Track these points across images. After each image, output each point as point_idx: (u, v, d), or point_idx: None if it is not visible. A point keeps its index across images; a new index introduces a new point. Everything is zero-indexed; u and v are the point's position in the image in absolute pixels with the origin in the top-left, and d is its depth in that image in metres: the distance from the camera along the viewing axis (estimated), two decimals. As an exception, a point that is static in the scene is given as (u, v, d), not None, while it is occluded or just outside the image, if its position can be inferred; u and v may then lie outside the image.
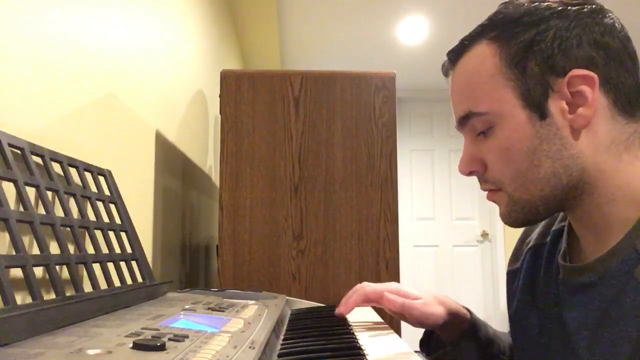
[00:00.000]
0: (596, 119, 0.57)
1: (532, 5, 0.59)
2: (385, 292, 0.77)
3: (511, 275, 0.79)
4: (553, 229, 0.72)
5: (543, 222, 0.75)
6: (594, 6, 0.59)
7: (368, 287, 0.79)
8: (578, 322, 0.60)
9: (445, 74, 0.69)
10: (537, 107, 0.58)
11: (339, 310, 0.78)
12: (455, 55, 0.65)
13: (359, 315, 0.89)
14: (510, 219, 0.63)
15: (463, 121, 0.64)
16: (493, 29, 0.61)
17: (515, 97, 0.59)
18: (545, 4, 0.59)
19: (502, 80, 0.59)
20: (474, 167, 0.64)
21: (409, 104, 4.45)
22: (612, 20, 0.59)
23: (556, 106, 0.58)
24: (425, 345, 0.87)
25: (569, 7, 0.58)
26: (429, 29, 3.24)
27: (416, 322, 0.77)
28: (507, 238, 4.31)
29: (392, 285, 0.80)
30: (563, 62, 0.57)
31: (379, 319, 0.87)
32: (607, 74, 0.57)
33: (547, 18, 0.58)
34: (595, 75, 0.56)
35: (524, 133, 0.58)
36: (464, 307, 0.82)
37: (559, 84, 0.57)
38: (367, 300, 0.79)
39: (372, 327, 0.78)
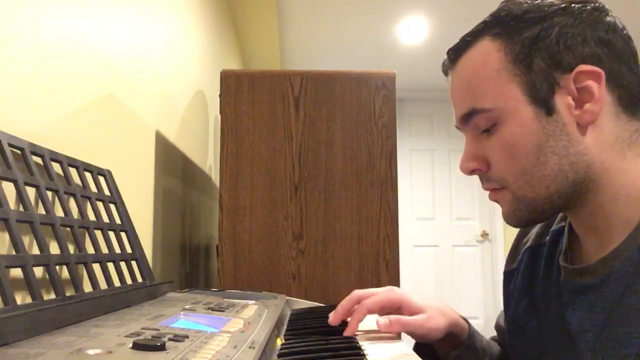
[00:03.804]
0: (601, 116, 0.57)
1: (535, 2, 0.59)
2: (379, 321, 0.69)
3: (508, 276, 0.78)
4: (552, 229, 0.71)
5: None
6: (596, 4, 0.59)
7: (367, 301, 0.72)
8: (582, 324, 0.59)
9: (445, 72, 0.68)
10: (544, 103, 0.57)
11: (346, 332, 0.69)
12: (457, 52, 0.64)
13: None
14: (514, 218, 0.62)
15: (466, 118, 0.63)
16: (496, 25, 0.60)
17: (521, 93, 0.58)
18: (548, 1, 0.59)
19: (507, 76, 0.59)
20: (477, 165, 0.63)
21: (409, 104, 4.45)
22: (613, 19, 0.59)
23: (562, 102, 0.57)
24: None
25: (572, 5, 0.58)
26: (429, 29, 3.24)
27: (417, 338, 0.74)
28: (507, 238, 4.30)
29: (395, 295, 0.74)
30: (569, 58, 0.57)
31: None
32: (612, 71, 0.57)
33: (551, 15, 0.58)
34: (601, 71, 0.56)
35: (530, 129, 0.58)
36: (461, 316, 0.80)
37: (565, 80, 0.57)
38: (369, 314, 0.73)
39: (372, 331, 0.78)
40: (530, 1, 0.59)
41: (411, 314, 0.73)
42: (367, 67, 3.65)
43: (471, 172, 0.65)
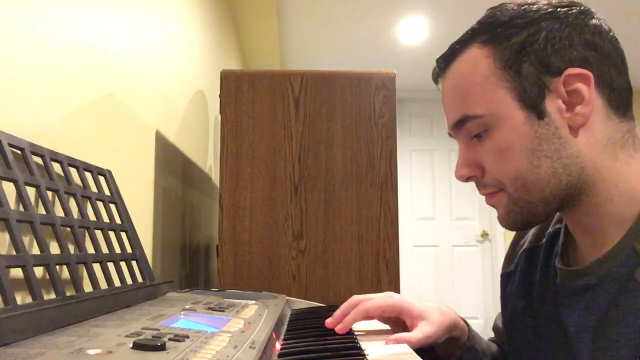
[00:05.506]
0: (592, 118, 0.58)
1: (522, 8, 0.60)
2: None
3: (505, 278, 0.78)
4: (548, 231, 0.71)
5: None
6: (581, 8, 0.59)
7: (367, 303, 0.72)
8: (578, 325, 0.60)
9: (436, 80, 0.68)
10: (535, 107, 0.58)
11: (338, 328, 0.69)
12: (446, 60, 0.65)
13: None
14: (509, 220, 0.63)
15: (458, 125, 0.63)
16: (484, 32, 0.61)
17: (512, 98, 0.59)
18: (535, 6, 0.59)
19: (497, 82, 0.59)
20: (472, 172, 0.64)
21: (409, 104, 4.45)
22: (599, 22, 0.59)
23: (553, 105, 0.58)
24: None
25: (558, 9, 0.59)
26: (429, 29, 3.24)
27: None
28: (507, 238, 4.30)
29: (394, 299, 0.73)
30: (558, 61, 0.57)
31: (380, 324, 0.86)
32: (601, 73, 0.58)
33: (538, 20, 0.58)
34: (590, 73, 0.57)
35: (522, 133, 0.58)
36: (461, 318, 0.79)
37: (554, 84, 0.57)
38: (366, 318, 0.73)
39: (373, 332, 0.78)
40: (517, 7, 0.60)
41: (412, 319, 0.72)
42: (367, 67, 3.65)
43: (466, 179, 0.65)
